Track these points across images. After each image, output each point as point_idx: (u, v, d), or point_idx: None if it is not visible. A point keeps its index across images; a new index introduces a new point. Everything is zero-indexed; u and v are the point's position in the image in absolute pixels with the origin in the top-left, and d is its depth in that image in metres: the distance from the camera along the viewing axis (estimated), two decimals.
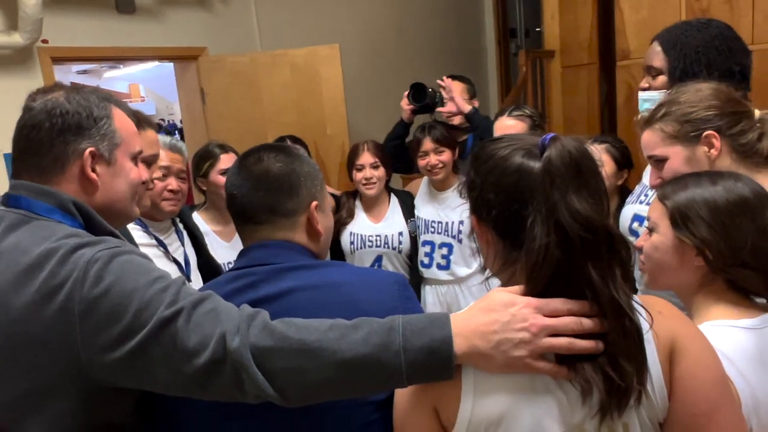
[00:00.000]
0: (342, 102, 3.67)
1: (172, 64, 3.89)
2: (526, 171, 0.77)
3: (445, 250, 2.46)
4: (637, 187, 1.59)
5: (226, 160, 2.11)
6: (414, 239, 2.47)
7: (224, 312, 0.80)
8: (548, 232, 0.72)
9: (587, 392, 0.73)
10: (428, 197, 2.52)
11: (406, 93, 2.67)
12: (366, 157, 2.39)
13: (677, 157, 1.16)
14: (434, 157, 2.37)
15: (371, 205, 2.49)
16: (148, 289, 0.80)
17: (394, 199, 2.51)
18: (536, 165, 0.76)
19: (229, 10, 3.89)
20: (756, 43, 3.72)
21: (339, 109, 3.68)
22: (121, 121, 0.98)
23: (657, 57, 1.44)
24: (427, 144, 2.37)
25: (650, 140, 1.20)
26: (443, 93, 2.60)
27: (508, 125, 2.18)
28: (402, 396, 0.82)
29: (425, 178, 2.54)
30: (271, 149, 1.03)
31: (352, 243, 2.43)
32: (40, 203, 0.91)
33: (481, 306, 0.77)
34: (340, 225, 2.42)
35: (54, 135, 0.92)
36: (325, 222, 1.03)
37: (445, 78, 2.62)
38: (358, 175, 2.41)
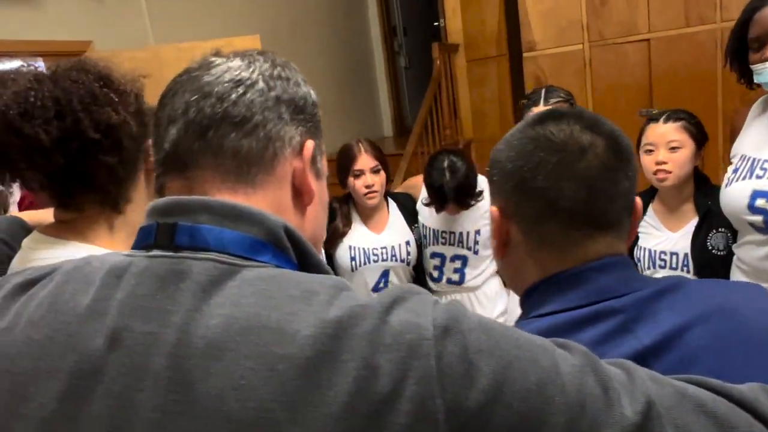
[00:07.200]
0: None
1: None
2: None
3: (458, 263, 2.13)
4: (732, 162, 1.45)
5: None
6: (419, 247, 2.14)
7: (700, 397, 0.48)
8: None
9: None
10: None
11: None
12: (365, 161, 1.97)
13: None
14: None
15: (369, 214, 2.10)
16: (562, 375, 0.46)
17: (392, 204, 2.14)
18: None
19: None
20: (652, 32, 3.95)
21: None
22: None
23: None
24: None
25: None
26: None
27: None
28: None
29: None
30: (576, 119, 0.68)
31: (353, 259, 2.03)
32: (238, 235, 0.51)
33: None
34: (336, 237, 2.03)
35: (270, 103, 0.56)
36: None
37: None
38: (357, 183, 1.98)
